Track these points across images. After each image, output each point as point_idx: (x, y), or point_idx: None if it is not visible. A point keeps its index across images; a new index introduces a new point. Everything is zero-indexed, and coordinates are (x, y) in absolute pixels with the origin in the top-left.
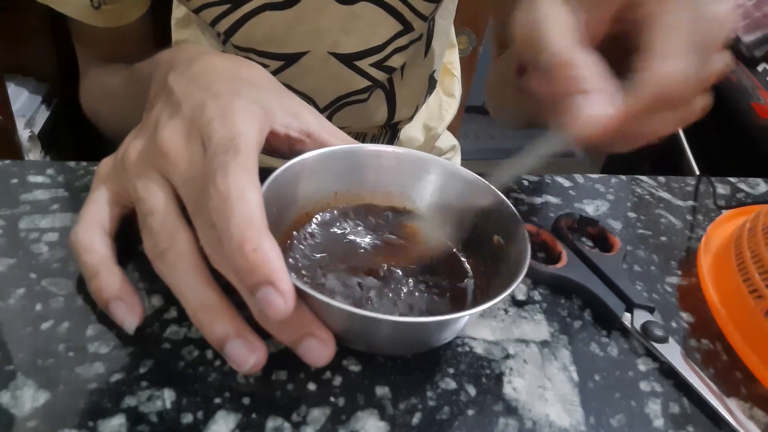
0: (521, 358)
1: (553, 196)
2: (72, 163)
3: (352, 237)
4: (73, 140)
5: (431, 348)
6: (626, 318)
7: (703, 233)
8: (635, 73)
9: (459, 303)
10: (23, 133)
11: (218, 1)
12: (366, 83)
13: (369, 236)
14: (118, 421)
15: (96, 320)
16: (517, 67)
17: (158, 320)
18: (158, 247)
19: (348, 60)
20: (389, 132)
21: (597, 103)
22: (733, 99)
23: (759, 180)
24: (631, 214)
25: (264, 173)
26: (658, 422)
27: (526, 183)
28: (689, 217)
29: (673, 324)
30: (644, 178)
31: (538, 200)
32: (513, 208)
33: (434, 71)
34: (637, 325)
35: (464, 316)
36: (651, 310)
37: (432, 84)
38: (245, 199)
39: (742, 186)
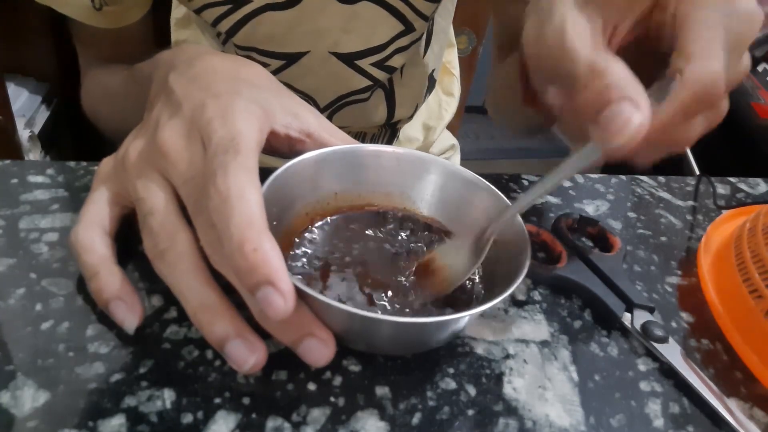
0: (521, 358)
1: (553, 196)
2: (72, 163)
3: (357, 242)
4: (73, 140)
5: (431, 348)
6: (626, 318)
7: (703, 233)
8: (669, 75)
9: (459, 303)
10: (23, 133)
11: (220, 1)
12: (367, 83)
13: (374, 242)
14: (118, 421)
15: (96, 320)
16: (521, 75)
17: (158, 320)
18: (158, 247)
19: (349, 60)
20: (389, 131)
21: (638, 110)
22: (733, 99)
23: (759, 180)
24: (631, 214)
25: (264, 173)
26: (658, 422)
27: (526, 183)
28: (689, 217)
29: (673, 324)
30: (644, 178)
31: (538, 200)
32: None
33: (433, 70)
34: (637, 325)
35: (464, 317)
36: (651, 310)
37: (431, 83)
38: (245, 199)
39: (742, 186)
